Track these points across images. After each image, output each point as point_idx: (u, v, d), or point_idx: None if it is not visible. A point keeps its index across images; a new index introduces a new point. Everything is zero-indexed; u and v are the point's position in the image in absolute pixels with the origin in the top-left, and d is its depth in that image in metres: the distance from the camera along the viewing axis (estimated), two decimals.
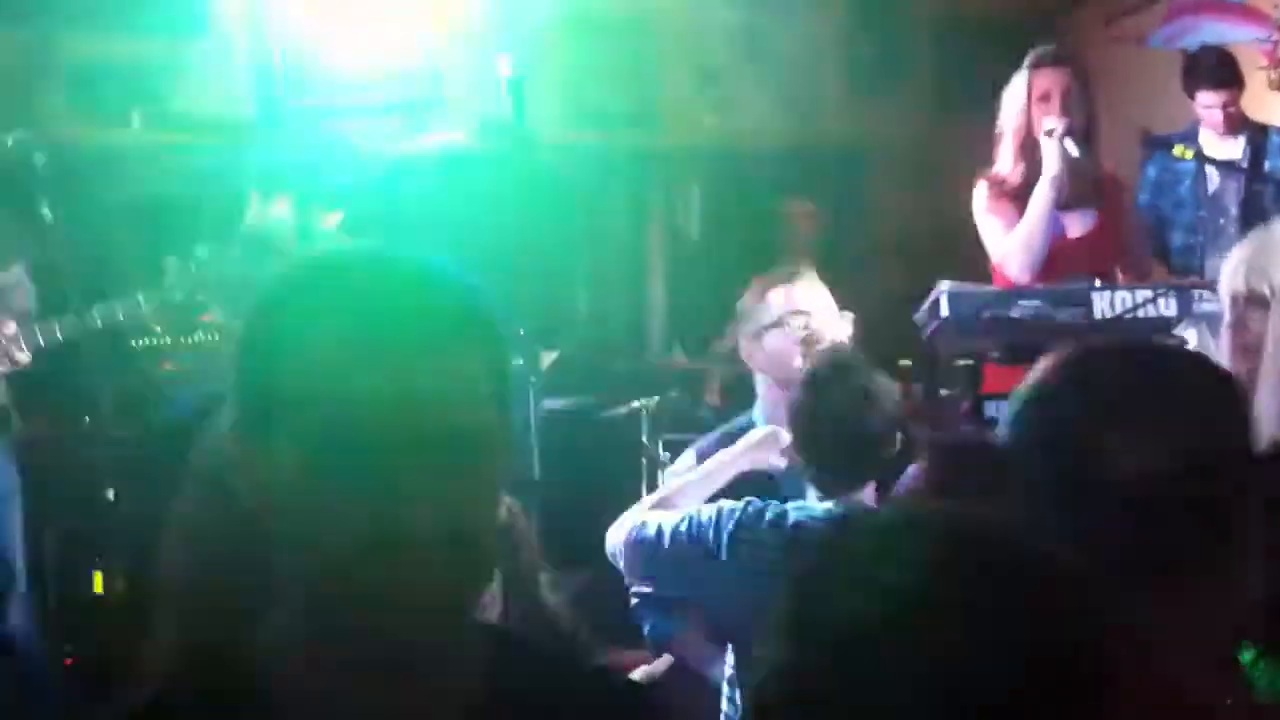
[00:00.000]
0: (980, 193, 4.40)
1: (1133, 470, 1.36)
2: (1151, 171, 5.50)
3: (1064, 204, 4.30)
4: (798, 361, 3.36)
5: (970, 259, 4.52)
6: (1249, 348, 2.63)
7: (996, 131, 4.40)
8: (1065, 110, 4.23)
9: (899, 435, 2.92)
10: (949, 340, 4.05)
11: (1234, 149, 5.23)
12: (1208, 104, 5.27)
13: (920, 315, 4.12)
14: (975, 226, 4.49)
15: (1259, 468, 1.42)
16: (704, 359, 5.94)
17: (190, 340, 4.42)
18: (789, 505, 2.88)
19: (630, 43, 6.58)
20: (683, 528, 2.90)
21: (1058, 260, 4.28)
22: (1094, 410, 1.42)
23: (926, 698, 0.91)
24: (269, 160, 5.69)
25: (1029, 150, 4.30)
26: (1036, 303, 3.96)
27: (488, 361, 1.15)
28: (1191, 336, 3.75)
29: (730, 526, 2.83)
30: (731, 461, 3.16)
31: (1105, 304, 3.91)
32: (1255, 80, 5.78)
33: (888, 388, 2.95)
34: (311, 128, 5.72)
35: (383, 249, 1.22)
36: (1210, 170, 5.22)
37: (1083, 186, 4.33)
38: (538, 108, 5.01)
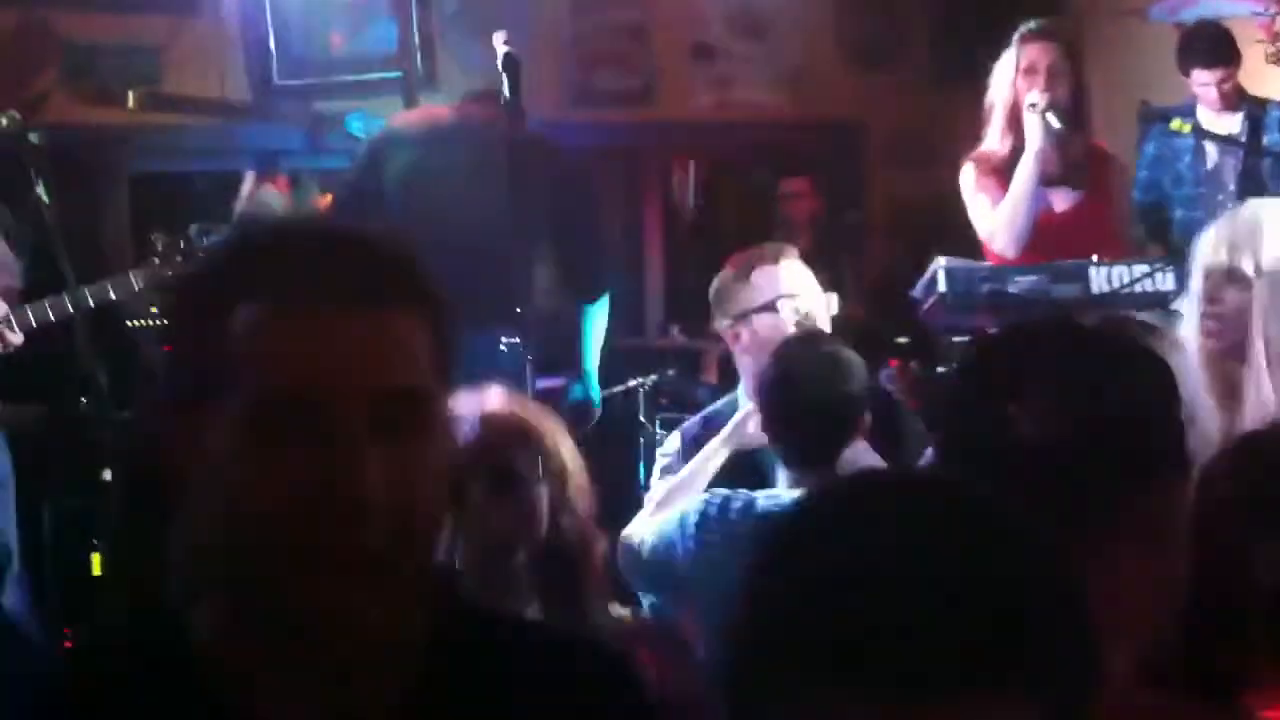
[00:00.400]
0: (968, 169, 4.39)
1: (1031, 437, 1.38)
2: (1150, 148, 5.48)
3: (1051, 179, 4.29)
4: None
5: (967, 235, 4.51)
6: (1222, 319, 2.64)
7: (985, 107, 4.38)
8: (1049, 84, 4.20)
9: (866, 408, 2.91)
10: (946, 316, 4.04)
11: (1232, 124, 5.20)
12: (1202, 82, 5.24)
13: (917, 291, 4.11)
14: None
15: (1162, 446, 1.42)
16: (701, 337, 5.93)
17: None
18: (758, 494, 2.85)
19: (626, 19, 6.56)
20: (652, 538, 2.91)
21: (1044, 236, 4.25)
22: (999, 379, 1.44)
23: (895, 646, 0.88)
24: (262, 140, 5.69)
25: (1015, 125, 4.27)
26: (1034, 278, 3.95)
27: (427, 317, 1.12)
28: (1189, 310, 3.75)
29: (694, 524, 2.80)
30: (714, 452, 3.13)
31: (1102, 279, 3.90)
32: (1253, 53, 5.75)
33: (855, 360, 2.92)
34: (305, 107, 5.71)
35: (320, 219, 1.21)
36: (1208, 145, 5.20)
37: (1070, 161, 4.31)
38: (532, 84, 4.99)
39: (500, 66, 4.08)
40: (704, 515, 2.82)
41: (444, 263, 1.19)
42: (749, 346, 3.38)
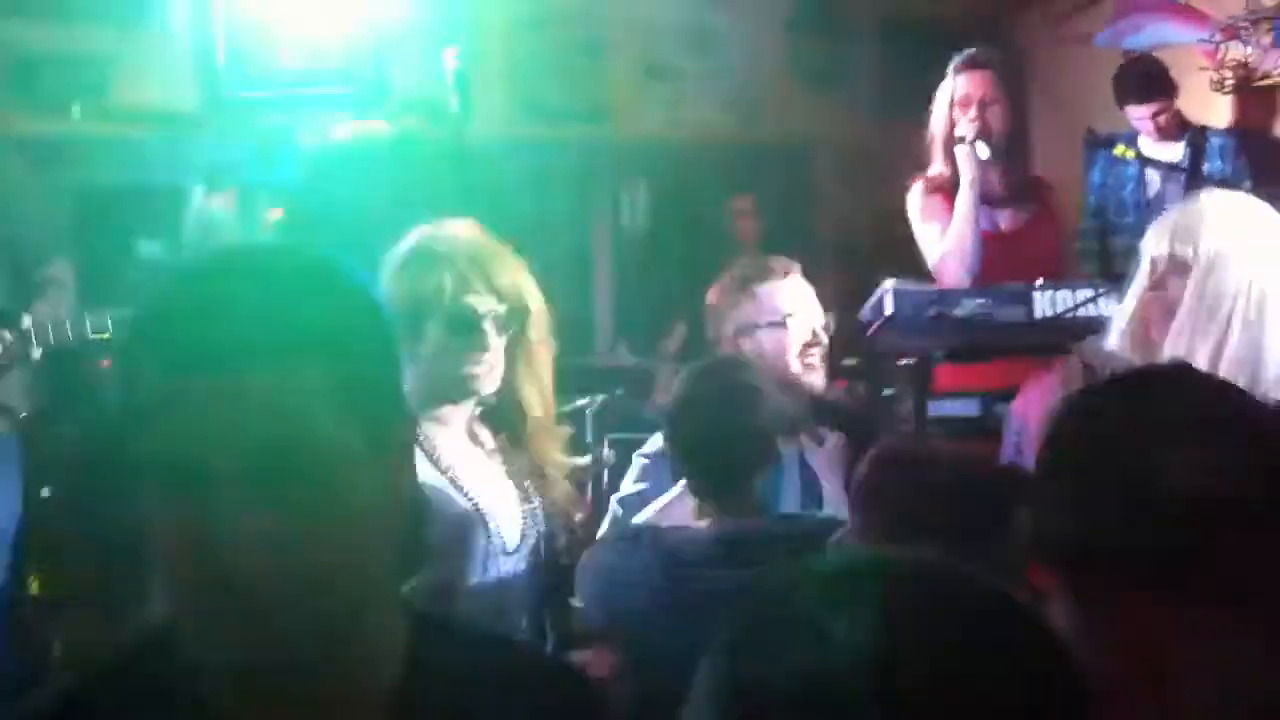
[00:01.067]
0: (914, 195, 4.46)
1: (1188, 486, 1.33)
2: (1095, 175, 5.55)
3: (994, 200, 4.37)
4: (793, 364, 3.34)
5: (913, 257, 4.54)
6: (1164, 306, 2.67)
7: (928, 136, 4.45)
8: (981, 114, 4.29)
9: (776, 440, 2.81)
10: (893, 339, 4.06)
11: (1174, 151, 5.27)
12: (1138, 116, 5.32)
13: (865, 313, 4.13)
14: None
15: None
16: (650, 357, 5.94)
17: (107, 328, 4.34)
18: (667, 527, 2.77)
19: (578, 37, 6.57)
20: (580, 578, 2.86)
21: (991, 254, 4.33)
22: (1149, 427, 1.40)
23: None
24: (211, 152, 5.65)
25: (953, 154, 4.36)
26: (979, 301, 3.97)
27: (339, 371, 1.10)
28: (1124, 303, 3.79)
29: (606, 564, 2.76)
30: (679, 498, 3.00)
31: (1046, 303, 3.94)
32: (1198, 81, 5.83)
33: (769, 388, 2.83)
34: (254, 120, 5.68)
35: (258, 246, 1.21)
36: (1151, 173, 5.27)
37: (1013, 183, 4.39)
38: (484, 101, 5.00)
39: (451, 82, 4.08)
40: (614, 549, 2.76)
41: None
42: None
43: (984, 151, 4.27)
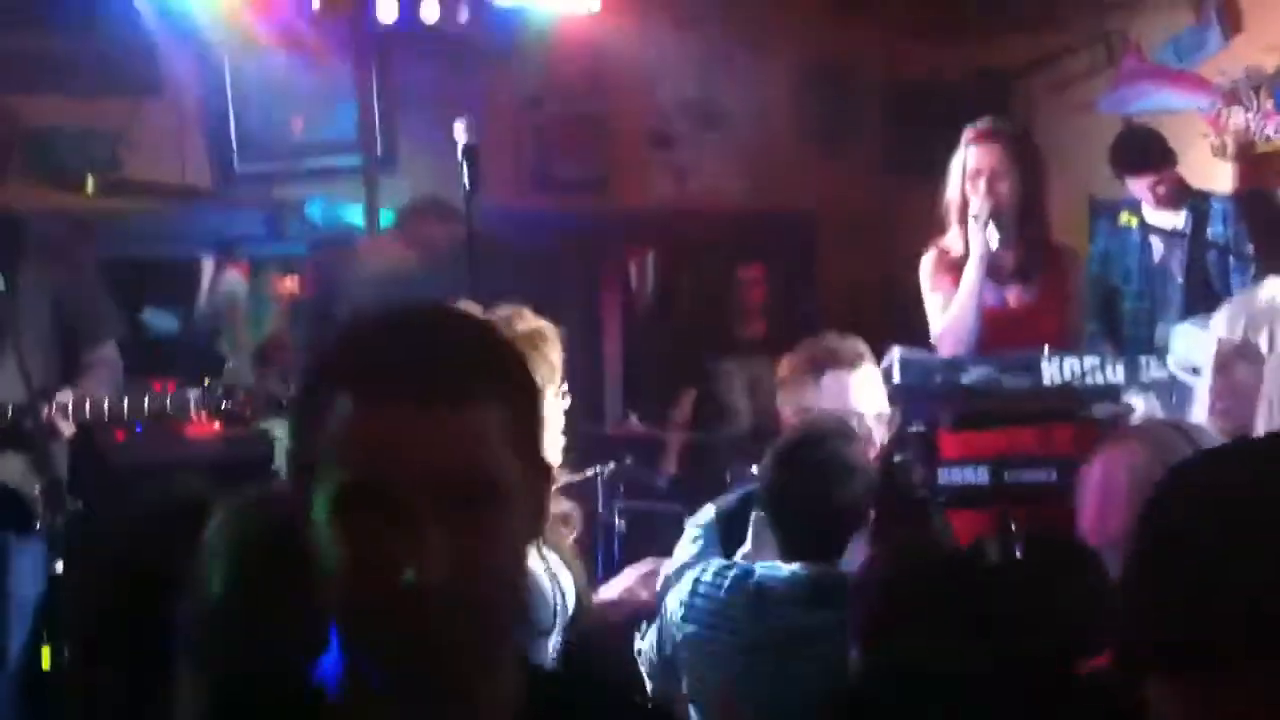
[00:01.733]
0: (927, 260, 4.44)
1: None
2: (1100, 243, 5.59)
3: (1005, 276, 4.34)
4: None
5: (921, 323, 4.57)
6: (1232, 393, 2.67)
7: (944, 203, 4.42)
8: (992, 190, 4.24)
9: (869, 511, 2.89)
10: (901, 406, 4.08)
11: (1176, 218, 5.31)
12: (1137, 185, 5.35)
13: None
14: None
15: None
16: (659, 425, 5.95)
17: (142, 407, 4.37)
18: (756, 565, 2.88)
19: (584, 108, 6.64)
20: (651, 634, 2.98)
21: (999, 330, 4.31)
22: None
23: None
24: (222, 225, 5.69)
25: (965, 225, 4.33)
26: (986, 369, 4.00)
27: (506, 412, 1.21)
28: (1139, 403, 3.80)
29: (687, 594, 2.85)
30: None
31: (1054, 371, 3.95)
32: (1200, 147, 5.89)
33: (857, 462, 2.91)
34: (265, 192, 5.73)
35: (427, 302, 1.35)
36: (1154, 240, 5.30)
37: (1025, 257, 4.35)
38: (492, 172, 5.04)
39: (460, 156, 4.11)
40: (702, 576, 2.86)
41: None
42: None
43: (994, 236, 4.23)
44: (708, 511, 3.43)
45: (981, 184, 4.26)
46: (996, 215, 4.23)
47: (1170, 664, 1.21)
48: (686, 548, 3.34)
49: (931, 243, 4.47)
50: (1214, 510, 1.22)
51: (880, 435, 3.42)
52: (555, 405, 2.66)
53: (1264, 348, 2.69)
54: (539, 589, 2.58)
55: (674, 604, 2.91)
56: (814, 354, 3.44)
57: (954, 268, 4.36)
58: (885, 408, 3.48)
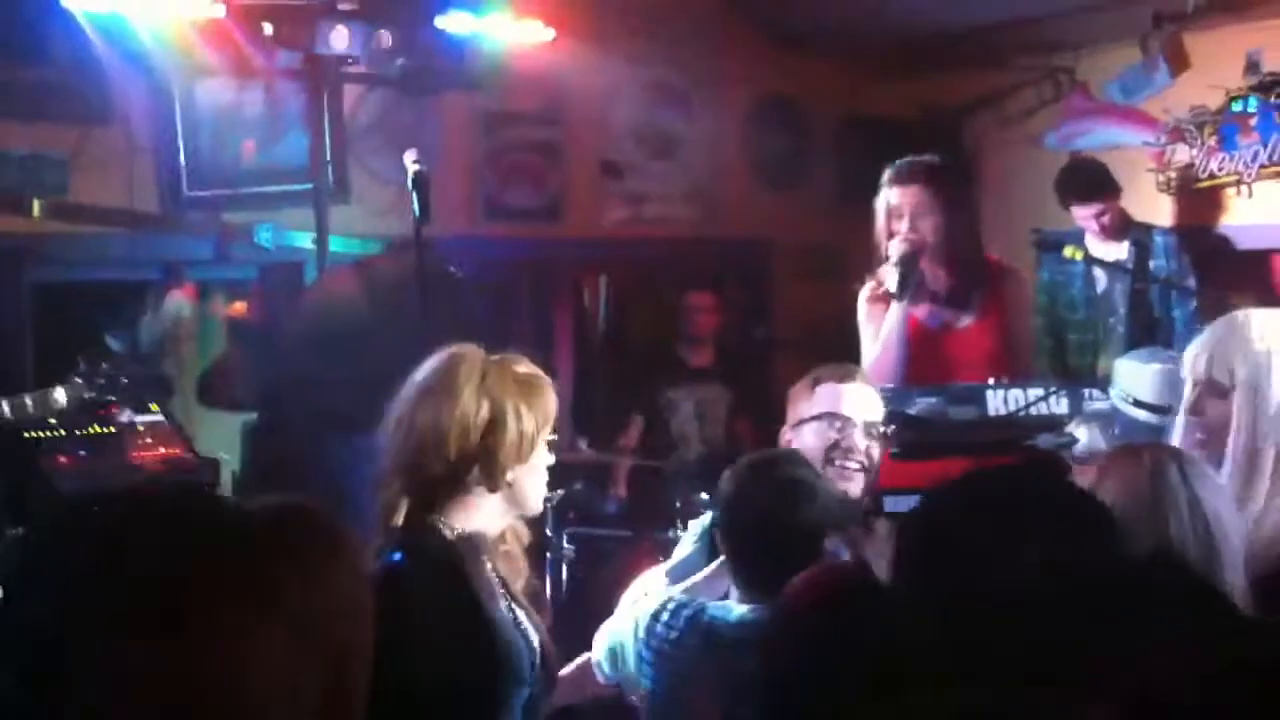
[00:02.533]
0: (861, 296, 4.53)
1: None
2: (1045, 274, 5.66)
3: (943, 301, 4.44)
4: (840, 473, 3.35)
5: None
6: (1207, 429, 2.72)
7: (875, 239, 4.50)
8: (914, 228, 4.34)
9: (824, 535, 2.87)
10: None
11: (1120, 250, 5.38)
12: (1081, 215, 5.44)
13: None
14: None
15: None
16: (609, 451, 5.96)
17: (84, 433, 4.35)
18: (709, 605, 2.88)
19: (538, 136, 6.65)
20: (609, 636, 3.01)
21: (944, 353, 4.42)
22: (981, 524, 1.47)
23: None
24: (170, 250, 5.66)
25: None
26: (932, 400, 4.03)
27: None
28: (1082, 434, 3.83)
29: (644, 631, 2.85)
30: (717, 574, 3.09)
31: (999, 401, 3.99)
32: (1145, 181, 5.97)
33: (815, 485, 2.91)
34: (214, 217, 5.71)
35: None
36: (1098, 272, 5.37)
37: (960, 284, 4.44)
38: (444, 200, 5.05)
39: (410, 184, 4.12)
40: (657, 614, 2.86)
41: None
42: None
43: (893, 280, 4.32)
44: (705, 518, 3.44)
45: (903, 224, 4.35)
46: (919, 253, 4.32)
47: None
48: (686, 546, 3.38)
49: (869, 276, 4.54)
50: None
51: (874, 449, 3.43)
52: (545, 455, 2.64)
53: (1226, 381, 2.74)
54: (514, 642, 2.57)
55: (636, 630, 2.90)
56: (812, 374, 3.53)
57: (885, 301, 4.43)
58: (878, 420, 3.48)
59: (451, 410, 2.55)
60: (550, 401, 2.66)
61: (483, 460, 2.55)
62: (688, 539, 3.43)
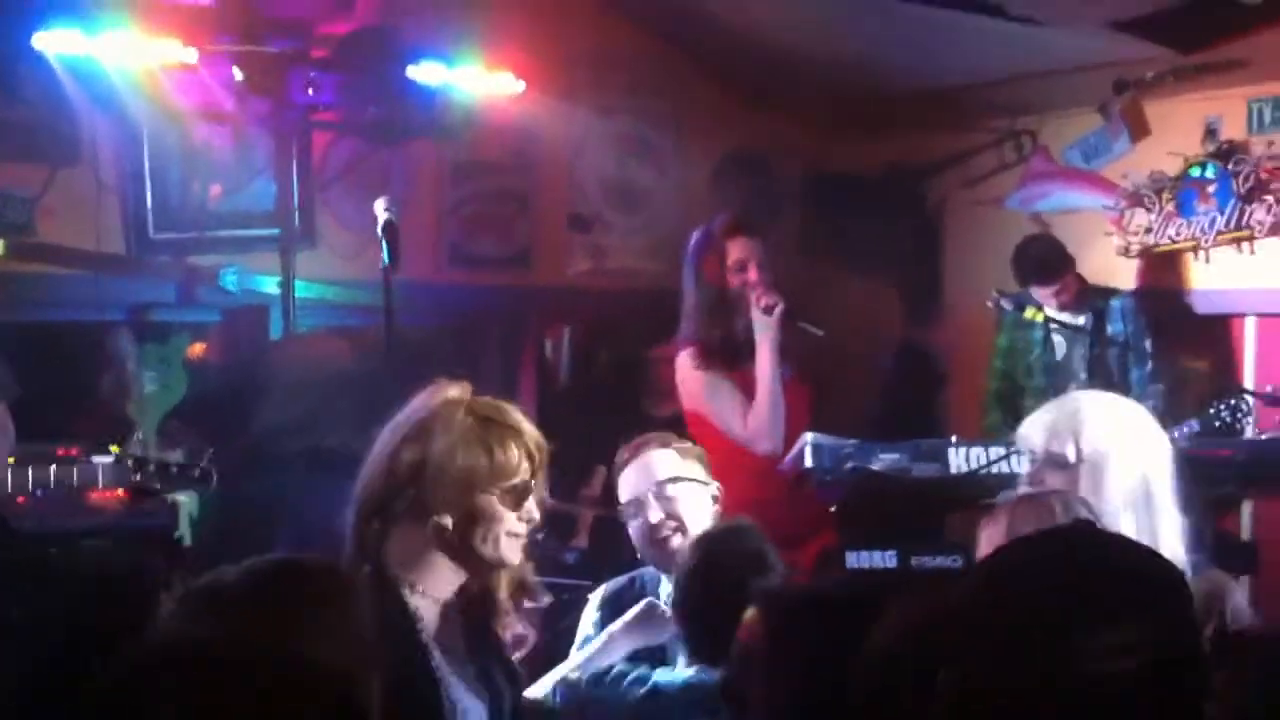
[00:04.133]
0: (685, 366, 4.50)
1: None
2: (1003, 340, 5.71)
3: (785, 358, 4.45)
4: (660, 549, 3.33)
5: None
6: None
7: (685, 297, 4.53)
8: (762, 277, 4.42)
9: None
10: (813, 489, 4.13)
11: (1078, 316, 5.45)
12: (1041, 294, 5.49)
13: (785, 464, 4.21)
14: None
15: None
16: (571, 501, 5.95)
17: (48, 477, 4.31)
18: (654, 672, 2.89)
19: (506, 185, 6.68)
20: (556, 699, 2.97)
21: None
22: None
23: None
24: (134, 292, 5.65)
25: (723, 313, 4.44)
26: (895, 455, 4.09)
27: None
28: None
29: (588, 692, 2.85)
30: (619, 639, 3.13)
31: (961, 459, 4.05)
32: (1103, 246, 6.05)
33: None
34: (179, 260, 5.70)
35: None
36: (1057, 337, 5.43)
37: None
38: (411, 247, 5.06)
39: (380, 231, 4.14)
40: (601, 680, 2.89)
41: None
42: (636, 541, 3.40)
43: (813, 327, 4.39)
44: (600, 591, 3.46)
45: (750, 274, 4.42)
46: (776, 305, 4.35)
47: None
48: (586, 623, 3.38)
49: (670, 347, 4.62)
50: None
51: (674, 505, 3.37)
52: (498, 508, 2.57)
53: (1070, 456, 2.83)
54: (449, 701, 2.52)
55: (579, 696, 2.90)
56: (620, 453, 3.50)
57: (719, 357, 4.42)
58: (701, 481, 3.43)
59: (406, 447, 2.49)
60: (512, 453, 2.54)
61: (414, 501, 2.46)
62: (588, 614, 3.40)
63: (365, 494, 2.54)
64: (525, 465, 2.54)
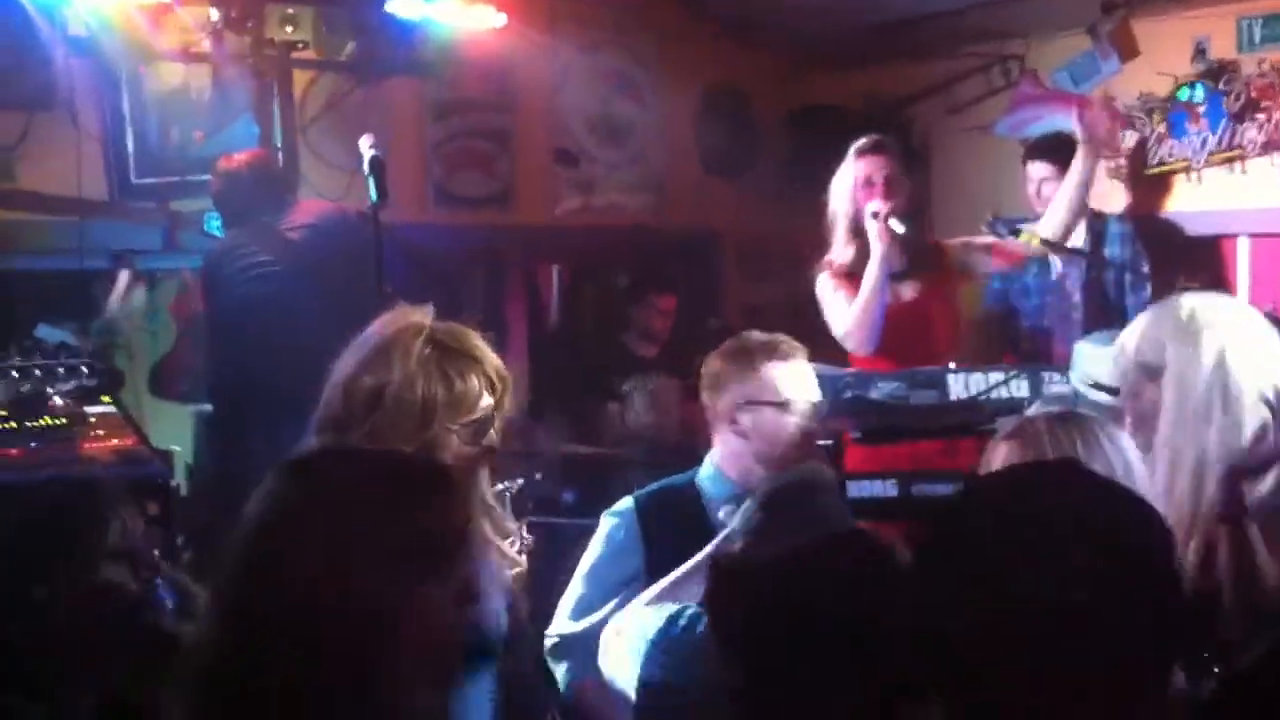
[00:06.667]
0: (823, 277, 4.70)
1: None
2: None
3: (897, 274, 4.64)
4: (792, 450, 3.26)
5: (824, 339, 4.62)
6: (1143, 415, 2.70)
7: (829, 217, 4.72)
8: (888, 193, 4.61)
9: None
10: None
11: (1075, 237, 5.42)
12: (1041, 176, 5.47)
13: None
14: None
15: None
16: (566, 442, 5.93)
17: (35, 424, 4.27)
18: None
19: (489, 123, 6.61)
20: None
21: (894, 323, 4.58)
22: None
23: None
24: (117, 238, 5.58)
25: (858, 233, 4.64)
26: (894, 384, 4.06)
27: None
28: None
29: (657, 636, 2.76)
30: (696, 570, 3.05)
31: (960, 386, 4.02)
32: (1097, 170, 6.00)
33: (840, 505, 2.85)
34: (163, 205, 5.63)
35: None
36: (1053, 258, 5.40)
37: (914, 256, 4.70)
38: (397, 186, 5.00)
39: (366, 168, 4.09)
40: (670, 624, 2.77)
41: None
42: (747, 433, 3.29)
43: (899, 226, 4.55)
44: (625, 502, 3.38)
45: (878, 189, 4.61)
46: (895, 214, 4.57)
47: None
48: (602, 544, 3.33)
49: (821, 263, 4.73)
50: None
51: (814, 427, 3.36)
52: (453, 443, 2.47)
53: (1158, 365, 2.71)
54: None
55: (628, 641, 2.72)
56: (747, 345, 3.36)
57: (848, 275, 4.64)
58: (820, 400, 3.42)
59: (364, 374, 2.44)
60: (472, 383, 2.48)
61: (371, 430, 2.38)
62: (602, 533, 3.34)
63: (323, 418, 2.49)
64: (485, 396, 2.49)
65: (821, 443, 4.04)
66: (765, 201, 7.05)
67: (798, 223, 5.13)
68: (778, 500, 2.81)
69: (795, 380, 3.35)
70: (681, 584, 2.89)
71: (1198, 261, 5.54)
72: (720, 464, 3.37)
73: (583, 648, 3.05)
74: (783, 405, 3.31)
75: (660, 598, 2.88)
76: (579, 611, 3.24)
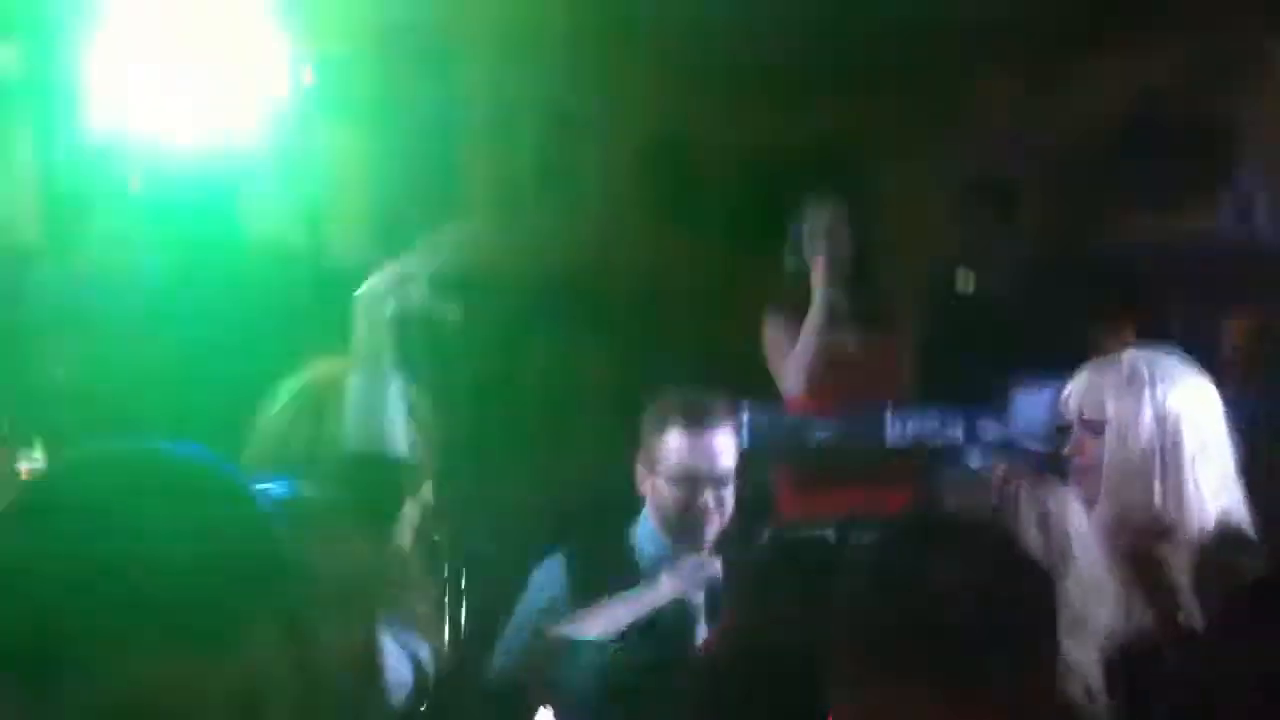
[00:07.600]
0: (771, 319, 4.64)
1: None
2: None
3: (844, 322, 4.55)
4: (698, 530, 3.16)
5: (768, 385, 4.63)
6: (1086, 469, 2.73)
7: (786, 264, 4.66)
8: (834, 245, 4.52)
9: None
10: (748, 465, 4.11)
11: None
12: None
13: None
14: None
15: None
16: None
17: None
18: None
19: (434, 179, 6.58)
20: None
21: (837, 371, 4.50)
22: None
23: None
24: None
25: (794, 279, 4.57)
26: (832, 430, 4.09)
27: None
28: (975, 459, 3.90)
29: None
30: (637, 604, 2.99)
31: (897, 430, 4.05)
32: None
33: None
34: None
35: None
36: None
37: (861, 307, 4.59)
38: (340, 233, 4.99)
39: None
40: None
41: None
42: (652, 494, 3.21)
43: (837, 275, 4.48)
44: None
45: (821, 240, 4.54)
46: (834, 263, 4.49)
47: None
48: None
49: (771, 305, 4.69)
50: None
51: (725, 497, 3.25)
52: None
53: (1102, 419, 2.76)
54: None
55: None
56: (663, 409, 3.20)
57: (795, 317, 4.55)
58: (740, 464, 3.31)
59: None
60: None
61: None
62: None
63: None
64: None
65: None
66: (715, 250, 7.05)
67: (746, 265, 5.11)
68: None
69: (704, 452, 3.14)
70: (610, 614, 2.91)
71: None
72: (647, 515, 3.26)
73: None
74: (682, 476, 3.14)
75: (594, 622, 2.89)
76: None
